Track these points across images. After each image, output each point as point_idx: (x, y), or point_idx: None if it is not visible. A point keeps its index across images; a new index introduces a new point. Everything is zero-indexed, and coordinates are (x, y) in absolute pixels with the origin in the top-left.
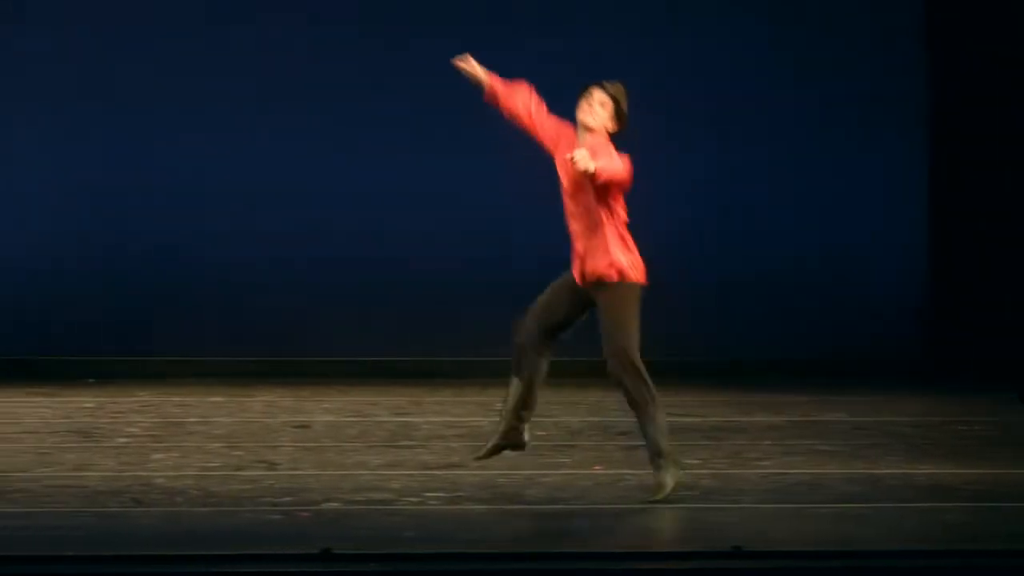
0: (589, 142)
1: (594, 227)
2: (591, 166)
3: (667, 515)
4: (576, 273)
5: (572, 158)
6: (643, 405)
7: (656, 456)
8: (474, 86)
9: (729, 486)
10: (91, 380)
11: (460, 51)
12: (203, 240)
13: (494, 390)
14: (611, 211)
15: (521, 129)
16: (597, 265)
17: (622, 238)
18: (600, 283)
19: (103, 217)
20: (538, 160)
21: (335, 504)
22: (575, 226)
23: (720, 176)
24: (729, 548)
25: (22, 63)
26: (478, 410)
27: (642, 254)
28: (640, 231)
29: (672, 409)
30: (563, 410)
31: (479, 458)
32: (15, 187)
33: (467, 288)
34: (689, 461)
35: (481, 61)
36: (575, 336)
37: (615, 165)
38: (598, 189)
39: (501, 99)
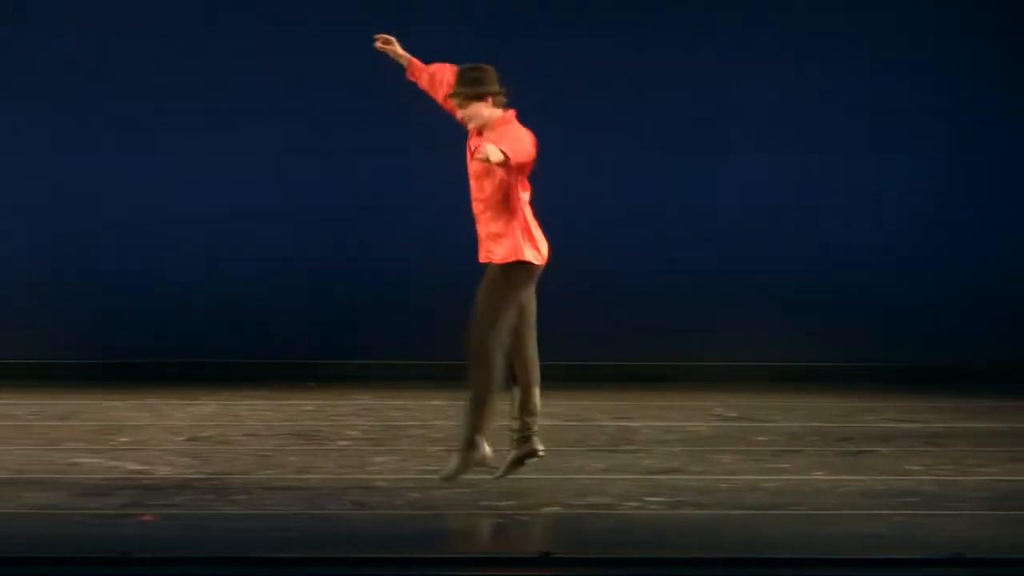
0: (493, 137)
1: (497, 211)
2: (499, 156)
3: (888, 521)
4: (482, 256)
5: (484, 159)
6: (477, 392)
7: (464, 441)
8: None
9: (951, 492)
10: (311, 383)
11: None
12: (417, 245)
13: (718, 394)
14: (515, 194)
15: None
16: (500, 248)
17: (525, 220)
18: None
19: (318, 223)
20: None
21: (555, 508)
22: (478, 209)
23: (935, 179)
24: (951, 555)
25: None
26: (698, 414)
27: (869, 256)
28: (858, 230)
29: (897, 415)
30: (783, 415)
31: (500, 476)
32: (240, 198)
33: (697, 294)
34: (910, 467)
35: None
36: (771, 340)
37: (522, 148)
38: (503, 174)
39: (420, 79)
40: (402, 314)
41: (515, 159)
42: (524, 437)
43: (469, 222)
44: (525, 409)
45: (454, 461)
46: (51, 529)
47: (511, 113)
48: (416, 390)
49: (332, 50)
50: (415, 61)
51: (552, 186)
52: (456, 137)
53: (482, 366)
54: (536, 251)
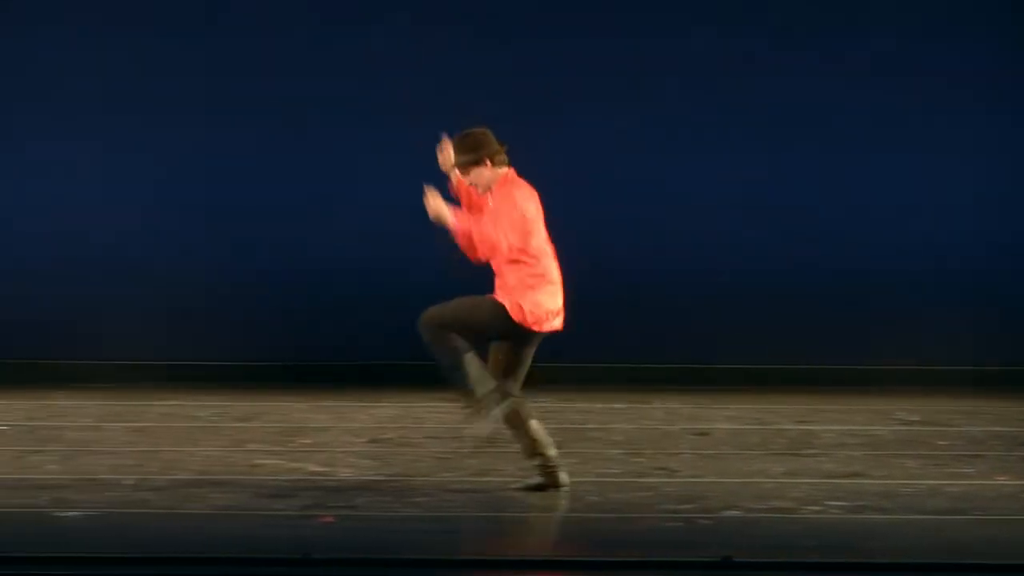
0: (494, 200)
1: (503, 265)
2: (447, 221)
3: None
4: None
5: (434, 218)
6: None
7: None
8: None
9: None
10: None
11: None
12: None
13: (900, 398)
14: (512, 256)
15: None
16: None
17: (524, 283)
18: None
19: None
20: None
21: (735, 512)
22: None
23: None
24: None
25: None
26: (880, 418)
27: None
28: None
29: None
30: (966, 419)
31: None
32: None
33: (878, 297)
34: None
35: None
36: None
37: (503, 222)
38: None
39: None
40: (590, 316)
41: (479, 234)
42: (549, 471)
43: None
44: (539, 448)
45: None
46: (234, 530)
47: (511, 173)
48: (597, 392)
49: None
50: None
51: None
52: None
53: (437, 346)
54: (529, 314)
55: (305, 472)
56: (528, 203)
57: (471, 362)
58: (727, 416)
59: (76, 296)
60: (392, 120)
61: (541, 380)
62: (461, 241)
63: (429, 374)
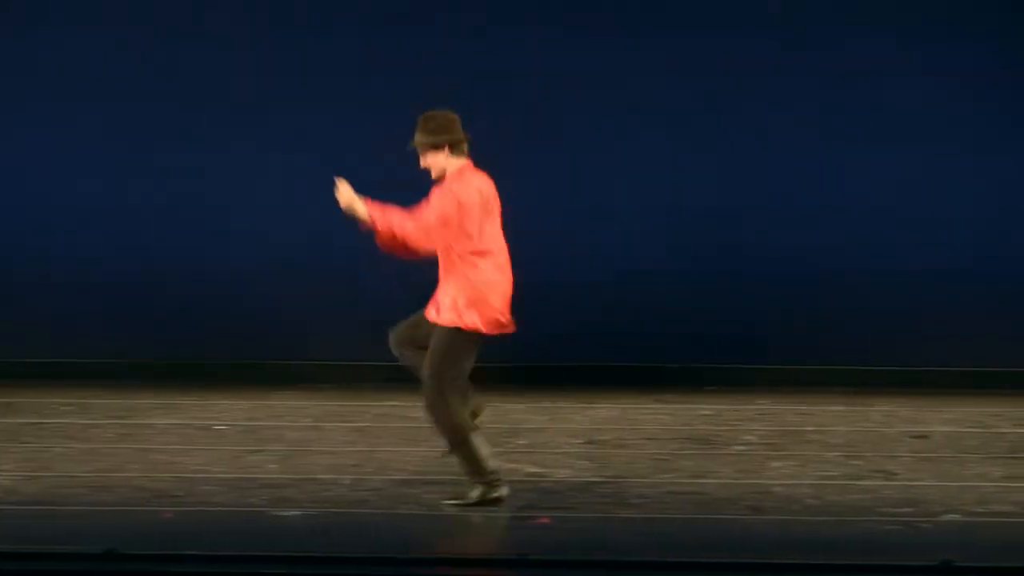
0: (436, 191)
1: (443, 270)
2: (362, 216)
3: None
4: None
5: (346, 208)
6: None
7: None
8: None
9: None
10: (711, 387)
11: None
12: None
13: None
14: (452, 256)
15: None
16: (445, 312)
17: (472, 285)
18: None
19: (716, 223)
20: None
21: (955, 516)
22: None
23: None
24: None
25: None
26: None
27: None
28: None
29: None
30: None
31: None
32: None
33: None
34: None
35: None
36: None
37: (432, 214)
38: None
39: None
40: (805, 318)
41: (400, 229)
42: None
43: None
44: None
45: (476, 492)
46: (451, 530)
47: (466, 164)
48: (816, 395)
49: None
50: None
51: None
52: None
53: (440, 420)
54: (479, 318)
55: (522, 473)
56: (471, 196)
57: (478, 443)
58: (946, 419)
59: (294, 296)
60: None
61: (760, 382)
62: (383, 238)
63: (646, 376)
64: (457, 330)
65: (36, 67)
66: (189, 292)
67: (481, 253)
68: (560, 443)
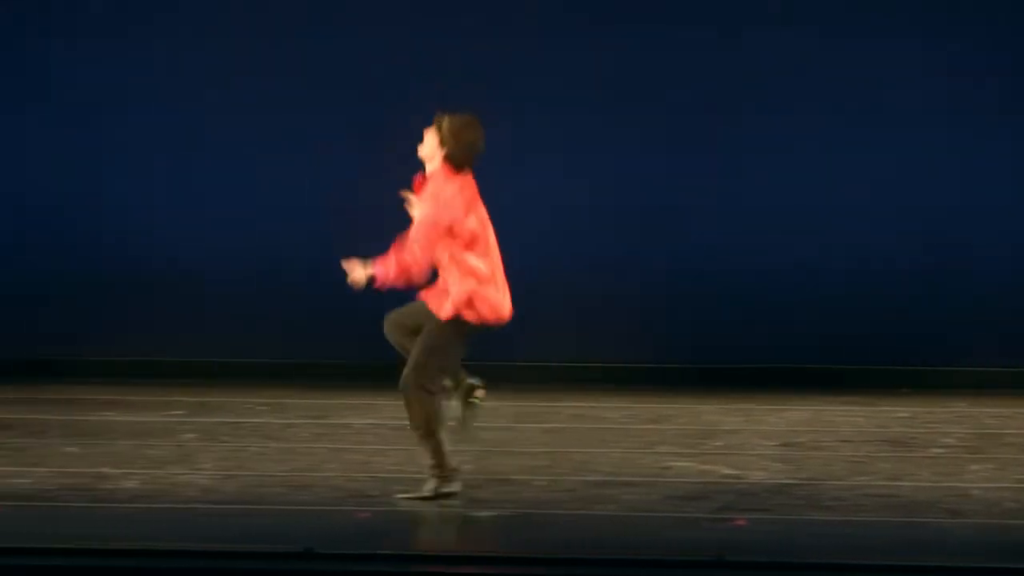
0: (429, 189)
1: (441, 265)
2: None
3: None
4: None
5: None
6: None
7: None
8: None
9: None
10: (906, 389)
11: None
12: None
13: None
14: (446, 250)
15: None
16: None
17: (462, 274)
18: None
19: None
20: None
21: None
22: None
23: None
24: None
25: None
26: None
27: None
28: None
29: None
30: None
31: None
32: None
33: None
34: None
35: None
36: None
37: (430, 215)
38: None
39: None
40: (1004, 320)
41: (401, 262)
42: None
43: None
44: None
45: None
46: (646, 531)
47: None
48: (1014, 397)
49: None
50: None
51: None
52: None
53: (415, 409)
54: (476, 310)
55: (717, 475)
56: (455, 196)
57: (445, 439)
58: None
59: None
60: None
61: (956, 384)
62: (400, 279)
63: (839, 378)
64: (454, 321)
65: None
66: (388, 294)
67: (471, 248)
68: (755, 445)
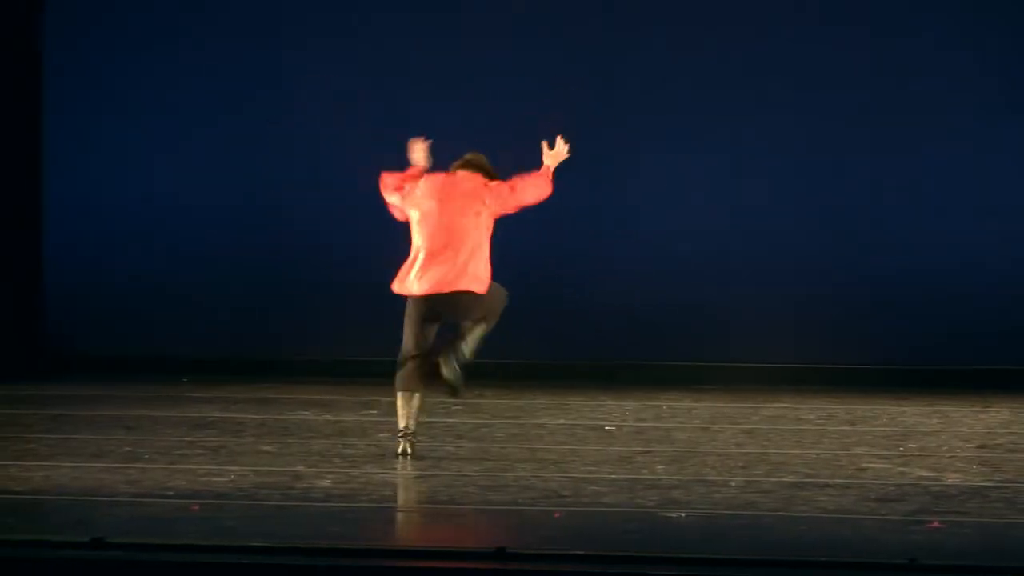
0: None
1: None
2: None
3: None
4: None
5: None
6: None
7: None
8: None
9: None
10: None
11: None
12: None
13: None
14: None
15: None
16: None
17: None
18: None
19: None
20: None
21: None
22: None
23: None
24: None
25: None
26: None
27: None
28: None
29: None
30: None
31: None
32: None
33: None
34: None
35: None
36: None
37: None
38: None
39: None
40: None
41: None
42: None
43: None
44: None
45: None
46: (841, 533)
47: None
48: None
49: None
50: None
51: None
52: None
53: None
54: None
55: (913, 477)
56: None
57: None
58: None
59: (689, 300)
60: None
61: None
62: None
63: None
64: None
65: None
66: (584, 294)
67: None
68: (952, 447)
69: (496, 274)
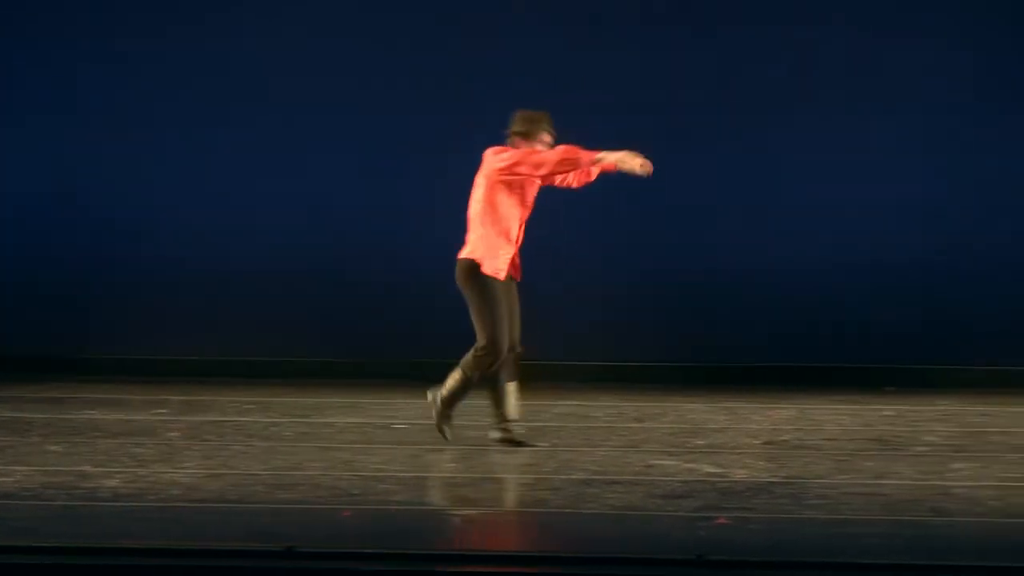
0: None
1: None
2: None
3: None
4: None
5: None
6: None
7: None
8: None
9: None
10: (890, 388)
11: None
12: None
13: None
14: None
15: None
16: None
17: None
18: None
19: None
20: None
21: None
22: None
23: None
24: None
25: None
26: None
27: None
28: None
29: None
30: None
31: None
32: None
33: None
34: None
35: None
36: None
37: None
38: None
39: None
40: (988, 319)
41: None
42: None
43: None
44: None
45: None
46: (628, 530)
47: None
48: (1000, 396)
49: None
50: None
51: None
52: None
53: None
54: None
55: (701, 473)
56: None
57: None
58: None
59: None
60: None
61: (942, 383)
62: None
63: (824, 376)
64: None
65: None
66: (371, 292)
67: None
68: (740, 444)
69: None
